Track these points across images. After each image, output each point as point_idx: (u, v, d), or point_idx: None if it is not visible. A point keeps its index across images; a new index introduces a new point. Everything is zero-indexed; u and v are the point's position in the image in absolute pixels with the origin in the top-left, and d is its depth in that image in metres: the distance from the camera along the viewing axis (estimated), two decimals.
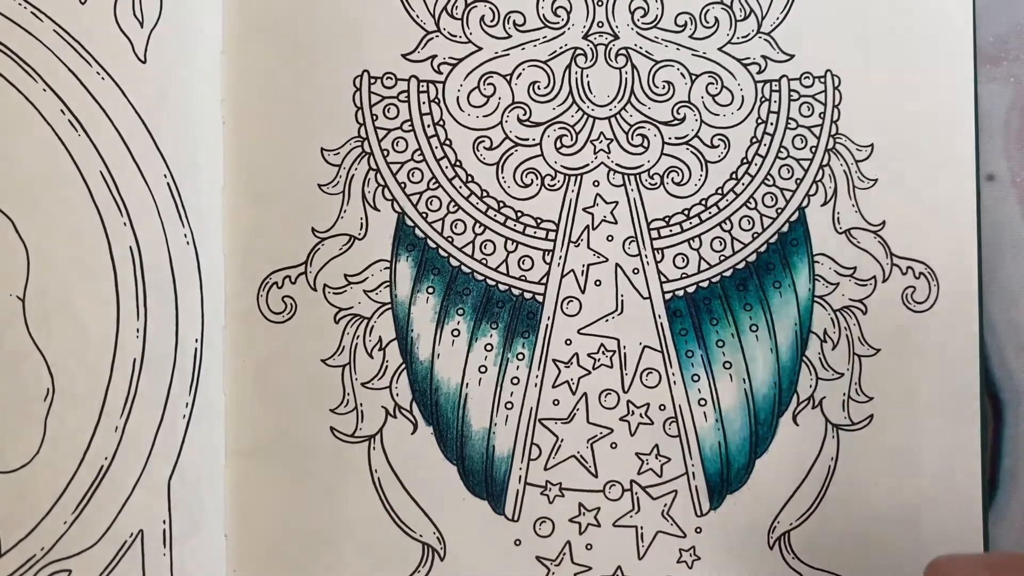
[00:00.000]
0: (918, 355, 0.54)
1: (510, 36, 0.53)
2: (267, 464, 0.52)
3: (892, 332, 0.54)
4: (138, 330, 0.51)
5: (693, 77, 0.54)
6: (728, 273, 0.54)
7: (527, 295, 0.53)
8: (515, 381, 0.53)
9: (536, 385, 0.53)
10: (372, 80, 0.53)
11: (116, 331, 0.51)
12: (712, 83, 0.54)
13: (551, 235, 0.53)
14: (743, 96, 0.54)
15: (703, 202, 0.54)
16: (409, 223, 0.53)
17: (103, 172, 0.51)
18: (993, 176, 0.56)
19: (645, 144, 0.53)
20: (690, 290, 0.54)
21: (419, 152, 0.53)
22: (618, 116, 0.53)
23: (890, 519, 0.54)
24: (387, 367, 0.53)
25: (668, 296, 0.54)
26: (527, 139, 0.53)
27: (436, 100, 0.53)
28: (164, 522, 0.51)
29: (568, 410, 0.54)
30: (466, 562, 0.53)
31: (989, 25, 0.56)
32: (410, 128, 0.53)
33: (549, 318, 0.53)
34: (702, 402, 0.54)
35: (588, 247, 0.53)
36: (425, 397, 0.53)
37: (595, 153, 0.53)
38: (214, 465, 0.52)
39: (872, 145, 0.54)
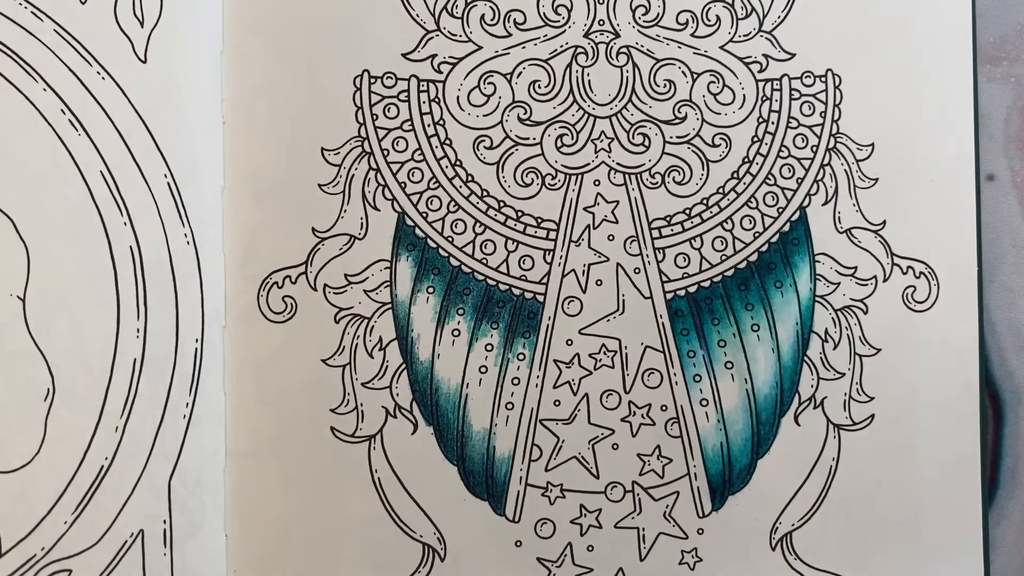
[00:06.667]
0: (918, 355, 0.54)
1: (510, 35, 0.53)
2: (267, 464, 0.52)
3: (892, 332, 0.54)
4: (138, 330, 0.51)
5: (694, 76, 0.54)
6: (729, 272, 0.54)
7: (528, 295, 0.53)
8: (516, 381, 0.53)
9: (537, 385, 0.53)
10: (372, 80, 0.53)
11: (116, 331, 0.51)
12: (713, 82, 0.54)
13: (552, 235, 0.53)
14: (744, 95, 0.54)
15: (704, 201, 0.54)
16: (409, 223, 0.53)
17: (103, 172, 0.51)
18: (993, 176, 0.56)
19: (646, 143, 0.53)
20: (691, 290, 0.54)
21: (419, 152, 0.53)
22: (619, 115, 0.53)
23: (890, 519, 0.54)
24: (387, 367, 0.53)
25: (669, 296, 0.54)
26: (527, 138, 0.53)
27: (436, 99, 0.53)
28: (164, 522, 0.51)
29: (569, 411, 0.53)
30: (466, 563, 0.53)
31: (989, 25, 0.56)
32: (410, 128, 0.53)
33: (550, 318, 0.53)
34: (704, 402, 0.53)
35: (589, 246, 0.53)
36: (425, 397, 0.53)
37: (596, 152, 0.53)
38: (214, 465, 0.52)
39: (872, 145, 0.54)
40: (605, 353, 0.53)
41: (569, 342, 0.53)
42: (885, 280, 0.54)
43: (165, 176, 0.51)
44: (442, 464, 0.53)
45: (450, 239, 0.53)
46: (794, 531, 0.54)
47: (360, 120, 0.53)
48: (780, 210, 0.54)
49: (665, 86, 0.54)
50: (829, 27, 0.54)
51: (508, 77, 0.53)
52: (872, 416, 0.54)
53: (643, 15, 0.53)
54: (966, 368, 0.54)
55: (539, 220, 0.53)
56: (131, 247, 0.51)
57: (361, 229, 0.53)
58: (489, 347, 0.53)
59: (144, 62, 0.51)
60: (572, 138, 0.53)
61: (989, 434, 0.55)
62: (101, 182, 0.51)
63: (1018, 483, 0.55)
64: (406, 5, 0.53)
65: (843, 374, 0.54)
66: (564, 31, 0.53)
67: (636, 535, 0.54)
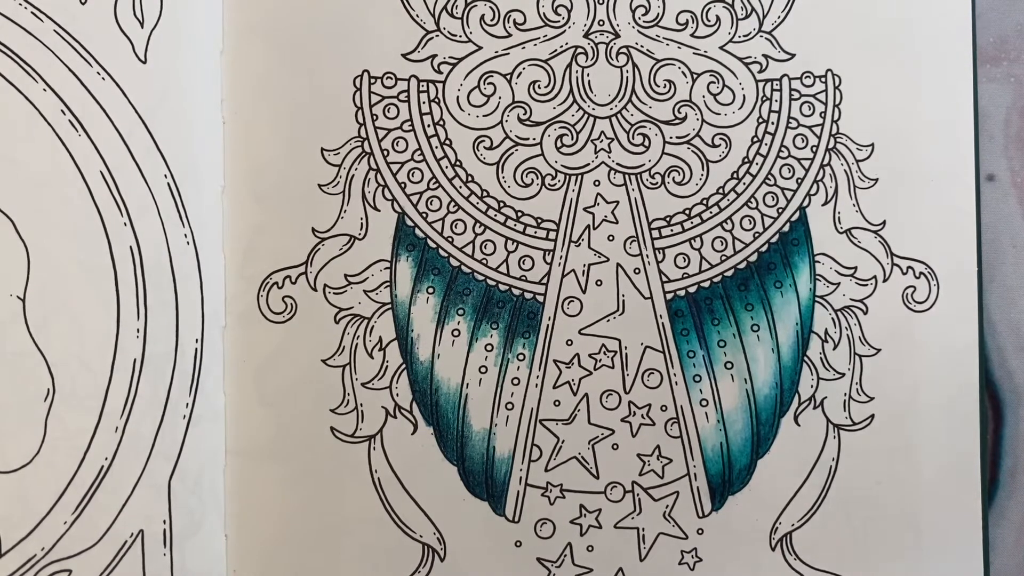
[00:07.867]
0: (918, 355, 0.54)
1: (510, 35, 0.53)
2: (267, 464, 0.52)
3: (892, 332, 0.54)
4: (138, 330, 0.51)
5: (694, 76, 0.54)
6: (729, 273, 0.54)
7: (528, 295, 0.53)
8: (516, 382, 0.53)
9: (537, 386, 0.53)
10: (372, 80, 0.53)
11: (116, 331, 0.51)
12: (713, 82, 0.54)
13: (552, 235, 0.53)
14: (744, 95, 0.54)
15: (704, 201, 0.54)
16: (409, 223, 0.53)
17: (103, 172, 0.51)
18: (993, 176, 0.56)
19: (646, 143, 0.53)
20: (691, 290, 0.54)
21: (419, 152, 0.53)
22: (619, 115, 0.53)
23: (890, 519, 0.54)
24: (387, 367, 0.53)
25: (669, 296, 0.54)
26: (527, 139, 0.53)
27: (436, 100, 0.53)
28: (164, 522, 0.51)
29: (569, 411, 0.53)
30: (466, 563, 0.53)
31: (989, 25, 0.56)
32: (410, 128, 0.53)
33: (550, 318, 0.53)
34: (704, 402, 0.53)
35: (589, 247, 0.53)
36: (425, 397, 0.53)
37: (596, 152, 0.53)
38: (214, 465, 0.52)
39: (872, 145, 0.54)
40: (605, 353, 0.53)
41: (569, 342, 0.53)
42: (885, 280, 0.54)
43: (165, 176, 0.51)
44: (442, 464, 0.53)
45: (450, 239, 0.53)
46: (794, 531, 0.54)
47: (360, 120, 0.53)
48: (780, 210, 0.54)
49: (665, 86, 0.54)
50: (829, 27, 0.54)
51: (508, 77, 0.53)
52: (872, 416, 0.54)
53: (643, 15, 0.53)
54: (966, 368, 0.54)
55: (539, 220, 0.53)
56: (131, 247, 0.51)
57: (361, 229, 0.53)
58: (489, 347, 0.53)
59: (144, 62, 0.51)
60: (572, 138, 0.53)
61: (989, 434, 0.55)
62: (101, 182, 0.51)
63: (1018, 483, 0.55)
64: (406, 5, 0.53)
65: (843, 374, 0.54)
66: (564, 31, 0.53)
67: (636, 535, 0.54)
